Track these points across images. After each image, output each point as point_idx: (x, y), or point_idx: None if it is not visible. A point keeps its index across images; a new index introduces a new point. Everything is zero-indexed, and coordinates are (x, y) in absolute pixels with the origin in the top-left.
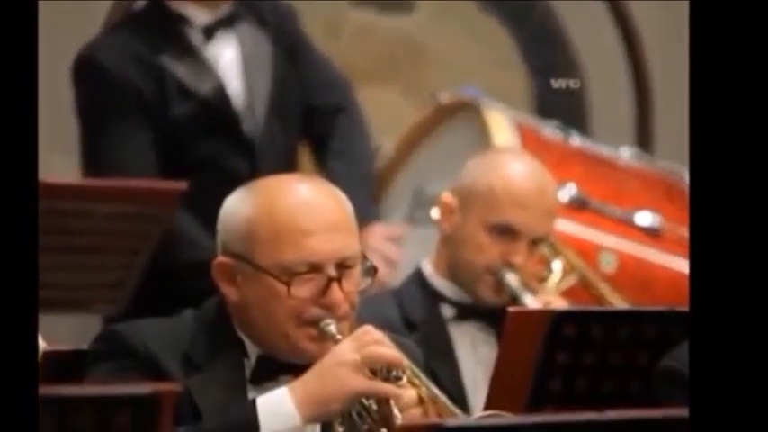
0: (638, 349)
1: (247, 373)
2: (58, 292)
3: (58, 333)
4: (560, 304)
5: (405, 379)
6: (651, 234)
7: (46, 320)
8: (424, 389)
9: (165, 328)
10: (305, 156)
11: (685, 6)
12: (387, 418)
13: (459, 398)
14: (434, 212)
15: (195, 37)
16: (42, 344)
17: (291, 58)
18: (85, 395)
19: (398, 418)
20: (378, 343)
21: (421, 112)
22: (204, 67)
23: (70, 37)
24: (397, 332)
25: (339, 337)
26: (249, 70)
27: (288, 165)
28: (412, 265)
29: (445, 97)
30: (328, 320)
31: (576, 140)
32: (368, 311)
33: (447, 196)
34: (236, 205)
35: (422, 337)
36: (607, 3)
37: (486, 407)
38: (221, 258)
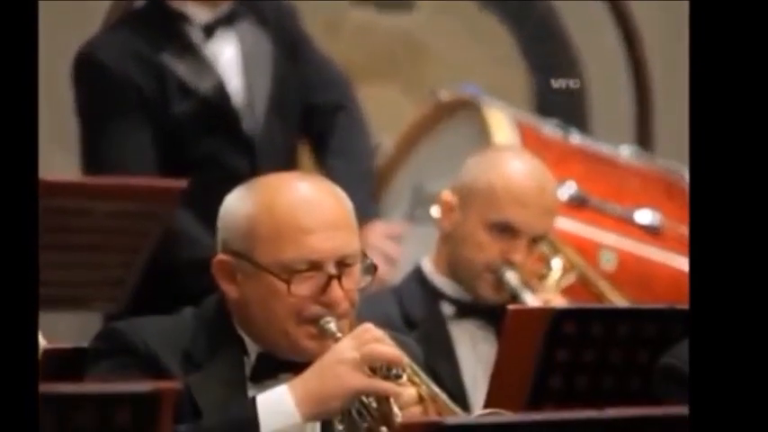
0: (637, 347)
1: (247, 371)
2: (58, 289)
3: (58, 331)
4: (560, 302)
5: (405, 377)
6: (651, 232)
7: (46, 318)
8: (423, 387)
9: (165, 326)
10: (305, 154)
11: (685, 6)
12: (386, 417)
13: (459, 396)
14: (434, 210)
15: (195, 35)
16: (42, 342)
17: (291, 56)
18: (86, 393)
19: (398, 416)
20: (378, 341)
21: (421, 110)
22: (204, 65)
23: (70, 37)
24: (397, 330)
25: (339, 335)
26: (249, 68)
27: (288, 163)
28: (412, 263)
29: (445, 95)
30: (328, 318)
31: (575, 139)
32: (368, 309)
33: (447, 194)
34: (237, 203)
35: (422, 335)
36: (607, 2)
37: (486, 405)
38: (221, 256)
